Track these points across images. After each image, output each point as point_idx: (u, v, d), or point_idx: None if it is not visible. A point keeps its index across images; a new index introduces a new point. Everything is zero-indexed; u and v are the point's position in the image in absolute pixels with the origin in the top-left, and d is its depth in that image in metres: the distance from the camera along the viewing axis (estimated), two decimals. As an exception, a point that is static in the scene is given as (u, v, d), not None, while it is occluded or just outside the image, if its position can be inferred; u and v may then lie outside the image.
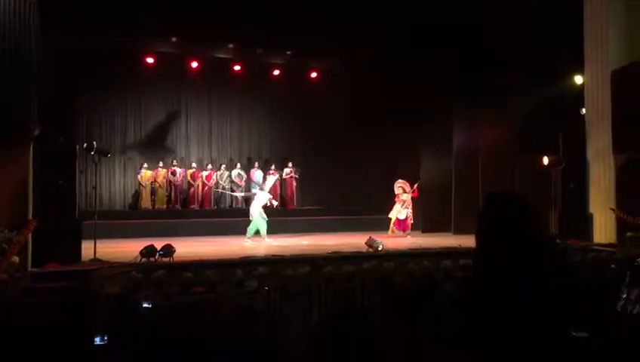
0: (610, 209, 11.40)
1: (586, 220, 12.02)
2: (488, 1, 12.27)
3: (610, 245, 10.89)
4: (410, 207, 15.31)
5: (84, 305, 6.46)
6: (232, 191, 17.01)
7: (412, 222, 15.27)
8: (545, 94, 13.04)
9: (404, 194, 15.28)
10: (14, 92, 8.46)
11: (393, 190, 15.49)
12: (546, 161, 12.47)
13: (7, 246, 7.64)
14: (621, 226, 11.04)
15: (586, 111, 12.36)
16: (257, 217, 13.43)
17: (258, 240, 13.22)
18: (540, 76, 12.90)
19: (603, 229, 11.65)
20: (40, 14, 8.77)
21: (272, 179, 15.73)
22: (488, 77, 13.85)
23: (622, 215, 10.90)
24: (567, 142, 12.62)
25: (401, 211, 15.20)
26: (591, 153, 12.21)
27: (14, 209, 8.43)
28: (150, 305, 5.92)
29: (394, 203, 15.42)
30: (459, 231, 15.00)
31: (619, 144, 11.54)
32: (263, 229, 13.41)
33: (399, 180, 15.54)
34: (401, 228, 15.12)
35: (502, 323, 1.62)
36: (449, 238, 14.08)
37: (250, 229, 13.30)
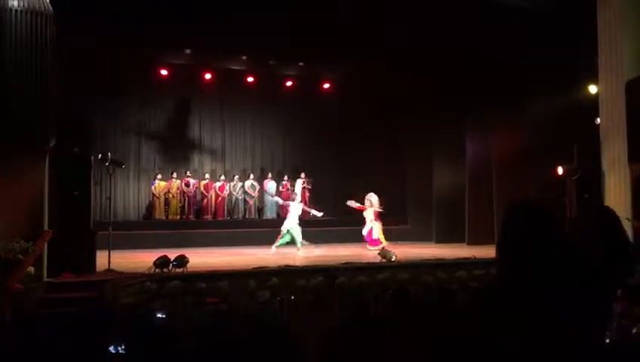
0: (627, 219, 11.26)
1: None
2: (503, 10, 12.23)
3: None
4: (375, 221, 13.81)
5: (99, 315, 6.50)
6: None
7: (377, 237, 13.59)
8: (560, 103, 12.96)
9: (369, 208, 13.88)
10: (31, 103, 8.55)
11: (381, 203, 14.21)
12: (560, 170, 12.38)
13: (22, 257, 7.70)
14: (638, 237, 10.89)
15: (601, 120, 12.26)
16: (292, 229, 13.38)
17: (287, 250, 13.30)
18: (555, 85, 12.83)
19: (619, 240, 11.48)
20: (56, 27, 8.88)
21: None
22: (502, 85, 13.80)
23: (639, 225, 10.76)
24: (582, 152, 12.53)
25: (367, 225, 13.85)
26: (606, 163, 12.08)
27: (30, 220, 8.50)
28: (164, 316, 5.94)
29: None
30: (473, 241, 14.89)
31: (634, 154, 11.41)
32: (283, 240, 13.40)
33: (370, 193, 14.29)
34: (372, 243, 13.55)
35: (532, 332, 1.60)
36: (463, 249, 14.00)
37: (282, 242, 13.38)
